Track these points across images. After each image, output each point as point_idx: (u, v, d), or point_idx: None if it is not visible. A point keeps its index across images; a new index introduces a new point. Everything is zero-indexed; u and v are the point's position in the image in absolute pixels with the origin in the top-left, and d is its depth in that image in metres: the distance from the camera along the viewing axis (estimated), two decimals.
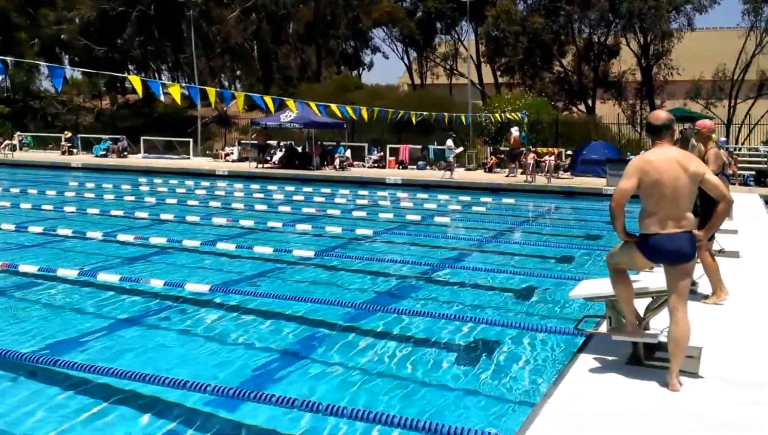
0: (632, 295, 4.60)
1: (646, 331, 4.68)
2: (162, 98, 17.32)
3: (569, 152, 25.81)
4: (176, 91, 13.83)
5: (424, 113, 22.92)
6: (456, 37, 42.63)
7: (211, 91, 14.20)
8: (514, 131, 24.43)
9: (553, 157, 24.34)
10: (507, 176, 24.06)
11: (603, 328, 5.24)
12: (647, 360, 4.77)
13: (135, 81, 12.78)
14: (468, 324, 6.89)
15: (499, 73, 39.08)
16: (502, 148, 27.51)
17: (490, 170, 26.64)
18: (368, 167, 28.04)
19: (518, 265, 10.26)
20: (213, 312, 7.41)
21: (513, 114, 26.15)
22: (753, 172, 22.72)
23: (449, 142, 24.05)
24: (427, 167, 27.89)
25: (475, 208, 16.76)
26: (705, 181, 4.26)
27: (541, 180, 22.37)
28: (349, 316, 7.25)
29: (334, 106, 16.68)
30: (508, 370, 5.71)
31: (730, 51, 32.89)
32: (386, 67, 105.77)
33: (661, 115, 4.45)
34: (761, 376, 4.57)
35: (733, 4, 46.26)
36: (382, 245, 11.93)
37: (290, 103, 15.82)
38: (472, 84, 41.11)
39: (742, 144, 32.06)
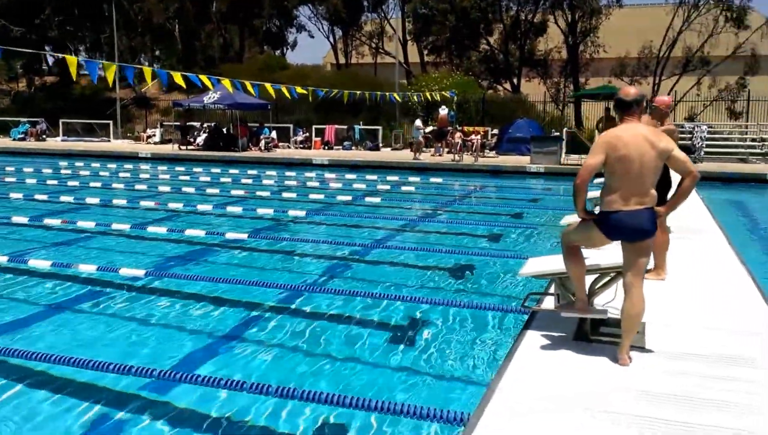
0: (584, 272, 4.52)
1: (596, 308, 4.62)
2: (95, 80, 16.37)
3: (495, 131, 26.04)
4: (111, 72, 13.15)
5: (357, 92, 22.60)
6: (382, 15, 42.27)
7: (147, 71, 13.53)
8: (442, 110, 24.43)
9: (479, 136, 24.52)
10: (432, 156, 24.07)
11: (550, 304, 5.16)
12: (593, 335, 4.73)
13: (71, 61, 12.05)
14: (406, 304, 6.76)
15: (426, 52, 38.97)
16: (428, 129, 27.58)
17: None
18: (294, 148, 27.54)
19: (452, 244, 10.24)
20: (146, 296, 7.13)
21: (443, 93, 26.16)
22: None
23: (418, 122, 23.90)
24: (353, 147, 27.65)
25: (405, 188, 16.66)
26: (671, 158, 4.20)
27: (468, 159, 22.48)
28: (283, 298, 7.06)
29: (268, 85, 16.16)
30: (449, 348, 5.62)
31: (657, 28, 33.58)
32: (310, 47, 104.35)
33: (631, 91, 4.34)
34: (703, 350, 4.59)
35: None
36: (314, 226, 11.69)
37: (226, 82, 15.24)
38: (397, 63, 41.05)
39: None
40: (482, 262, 8.76)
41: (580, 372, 4.18)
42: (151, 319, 6.42)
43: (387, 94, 24.87)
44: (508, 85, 37.65)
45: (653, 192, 4.20)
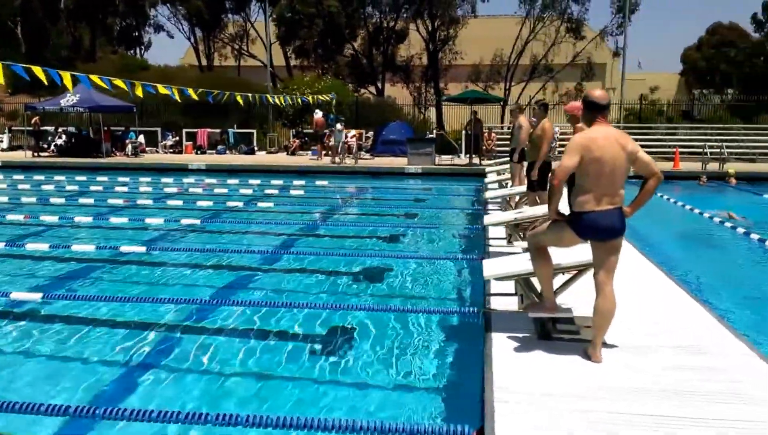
0: (552, 272, 4.56)
1: (562, 307, 4.69)
2: None
3: (369, 133, 26.24)
4: None
5: (249, 95, 21.74)
6: (245, 16, 41.19)
7: (38, 70, 12.11)
8: (317, 113, 24.22)
9: (355, 139, 24.64)
10: (310, 159, 23.82)
11: (505, 305, 5.19)
12: (553, 334, 4.81)
13: None
14: (323, 311, 6.49)
15: (292, 55, 38.48)
16: (305, 131, 27.28)
17: (293, 153, 26.25)
18: (164, 153, 26.13)
19: (355, 247, 10.09)
20: (30, 322, 6.29)
21: (325, 96, 25.91)
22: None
23: (339, 126, 23.37)
24: (227, 151, 26.73)
25: (294, 192, 16.30)
26: (637, 160, 4.28)
27: (348, 161, 22.48)
28: (189, 314, 6.52)
29: (138, 83, 15.02)
30: (375, 355, 5.46)
31: (508, 37, 35.51)
32: (168, 48, 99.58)
33: (603, 95, 4.37)
34: (664, 342, 4.79)
35: None
36: (212, 235, 11.07)
37: (95, 77, 13.97)
38: (264, 66, 40.15)
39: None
40: (391, 263, 8.70)
41: (562, 371, 4.22)
42: (40, 347, 5.63)
43: (267, 96, 24.19)
44: (373, 89, 38.13)
45: (622, 192, 4.29)
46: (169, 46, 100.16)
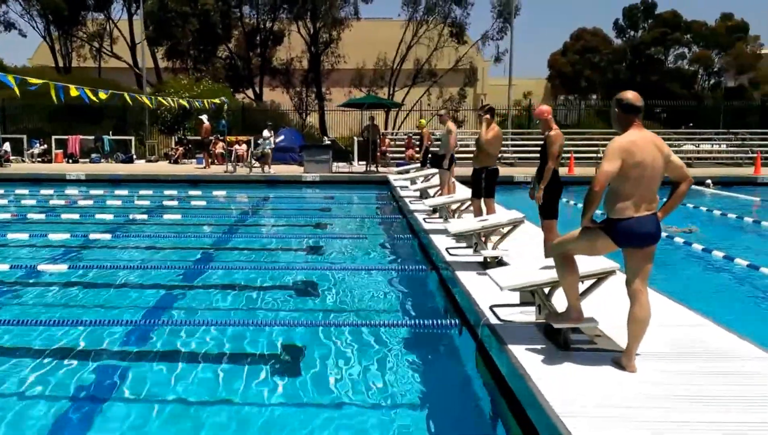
0: (578, 282, 4.58)
1: (587, 317, 4.72)
2: None
3: (260, 141, 25.54)
4: None
5: (128, 94, 20.34)
6: (107, 14, 38.74)
7: None
8: (205, 119, 23.28)
9: (244, 146, 23.93)
10: (196, 168, 22.84)
11: (521, 316, 5.19)
12: (572, 344, 4.85)
13: None
14: (267, 328, 6.32)
15: (162, 57, 36.66)
16: (189, 138, 26.14)
17: (176, 162, 25.06)
18: (31, 162, 24.02)
19: (276, 260, 9.91)
20: None
21: (215, 100, 24.90)
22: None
23: (266, 133, 22.18)
24: (102, 160, 25.06)
25: (195, 203, 15.52)
26: (671, 163, 4.32)
27: (241, 170, 21.80)
28: (119, 337, 6.15)
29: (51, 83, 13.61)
30: (324, 372, 5.40)
31: (391, 41, 35.90)
32: (17, 47, 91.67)
33: (637, 96, 4.31)
34: (675, 348, 4.95)
35: None
36: (116, 251, 10.31)
37: None
38: (130, 67, 38.02)
39: (399, 128, 35.66)
40: (318, 275, 8.60)
41: (602, 381, 4.24)
42: None
43: (161, 98, 22.82)
44: (250, 93, 37.25)
45: (657, 197, 4.33)
46: (19, 46, 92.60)
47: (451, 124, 11.36)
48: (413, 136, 26.61)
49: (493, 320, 5.38)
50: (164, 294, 7.84)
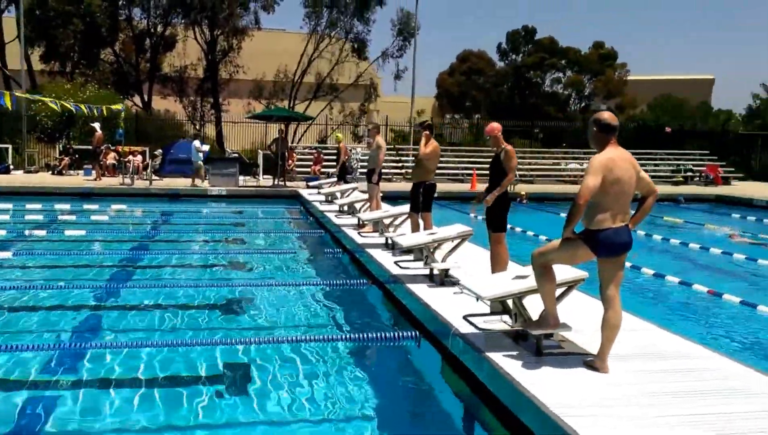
0: (555, 290, 4.96)
1: (561, 323, 5.10)
2: None
3: (158, 151, 24.85)
4: None
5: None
6: None
7: None
8: (98, 127, 22.38)
9: (138, 157, 23.19)
10: (85, 180, 21.86)
11: (487, 325, 5.50)
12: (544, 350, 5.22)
13: None
14: (208, 348, 6.26)
15: (38, 59, 34.73)
16: (76, 147, 24.97)
17: (60, 173, 23.83)
18: None
19: (197, 277, 9.73)
20: None
21: (113, 106, 23.84)
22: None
23: (197, 143, 21.16)
24: None
25: (96, 217, 14.94)
26: (641, 179, 4.81)
27: (140, 183, 21.12)
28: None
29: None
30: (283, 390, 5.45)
31: (293, 53, 35.90)
32: None
33: (613, 116, 4.80)
34: (635, 349, 5.43)
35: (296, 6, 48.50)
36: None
37: None
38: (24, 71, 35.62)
39: (299, 142, 35.64)
40: (241, 292, 8.61)
41: (583, 383, 4.62)
42: None
43: (21, 97, 21.58)
44: (138, 100, 36.05)
45: (630, 209, 4.80)
46: None
47: (380, 140, 11.65)
48: (321, 151, 26.87)
49: (463, 330, 5.67)
50: (67, 315, 7.41)
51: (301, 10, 37.98)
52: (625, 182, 4.66)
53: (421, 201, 9.31)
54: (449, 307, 6.44)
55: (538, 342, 5.16)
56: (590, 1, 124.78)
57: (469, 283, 5.60)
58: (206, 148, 23.01)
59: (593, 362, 4.87)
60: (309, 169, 25.33)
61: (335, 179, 19.71)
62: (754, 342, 7.26)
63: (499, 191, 6.98)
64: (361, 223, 11.92)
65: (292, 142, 35.23)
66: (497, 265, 7.09)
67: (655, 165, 30.10)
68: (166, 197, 19.86)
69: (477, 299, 5.43)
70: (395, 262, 8.37)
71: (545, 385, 4.56)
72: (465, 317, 5.62)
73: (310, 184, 21.36)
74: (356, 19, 35.96)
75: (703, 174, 28.88)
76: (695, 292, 9.09)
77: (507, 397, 4.67)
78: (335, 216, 13.74)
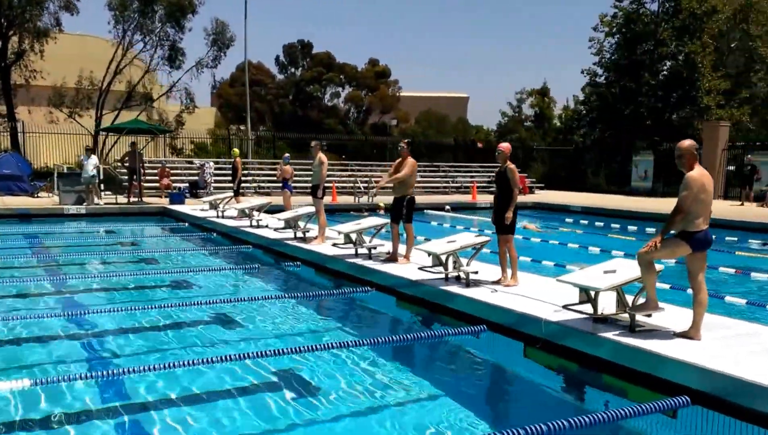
0: (656, 279, 6.45)
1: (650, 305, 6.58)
2: None
3: None
4: None
5: None
6: None
7: None
8: None
9: None
10: None
11: (606, 310, 6.82)
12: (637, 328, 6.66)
13: None
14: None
15: None
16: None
17: None
18: None
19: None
20: None
21: None
22: (187, 184, 25.16)
23: (94, 159, 19.51)
24: None
25: None
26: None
27: None
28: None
29: None
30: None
31: (100, 59, 33.86)
32: None
33: (693, 143, 6.31)
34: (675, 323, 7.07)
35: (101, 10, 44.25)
36: None
37: None
38: None
39: (108, 154, 33.76)
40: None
41: (693, 346, 6.10)
42: None
43: None
44: None
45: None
46: None
47: (322, 156, 12.37)
48: (166, 165, 26.23)
49: (553, 318, 6.92)
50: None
51: (107, 14, 35.97)
52: (710, 193, 6.28)
53: (404, 213, 10.37)
54: (510, 302, 7.67)
55: (632, 321, 6.59)
56: (362, 17, 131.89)
57: (576, 277, 6.94)
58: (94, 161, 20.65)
59: (687, 333, 6.39)
60: (157, 185, 24.47)
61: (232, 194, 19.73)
62: None
63: (512, 207, 8.40)
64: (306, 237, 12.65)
65: (102, 154, 33.29)
66: (511, 260, 8.61)
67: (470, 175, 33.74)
68: (16, 217, 18.32)
69: (588, 291, 6.74)
70: (419, 268, 9.34)
71: (671, 349, 5.97)
72: (565, 306, 6.91)
73: (206, 199, 20.25)
74: (169, 27, 34.92)
75: None
76: None
77: (643, 362, 5.98)
78: (278, 230, 14.23)
